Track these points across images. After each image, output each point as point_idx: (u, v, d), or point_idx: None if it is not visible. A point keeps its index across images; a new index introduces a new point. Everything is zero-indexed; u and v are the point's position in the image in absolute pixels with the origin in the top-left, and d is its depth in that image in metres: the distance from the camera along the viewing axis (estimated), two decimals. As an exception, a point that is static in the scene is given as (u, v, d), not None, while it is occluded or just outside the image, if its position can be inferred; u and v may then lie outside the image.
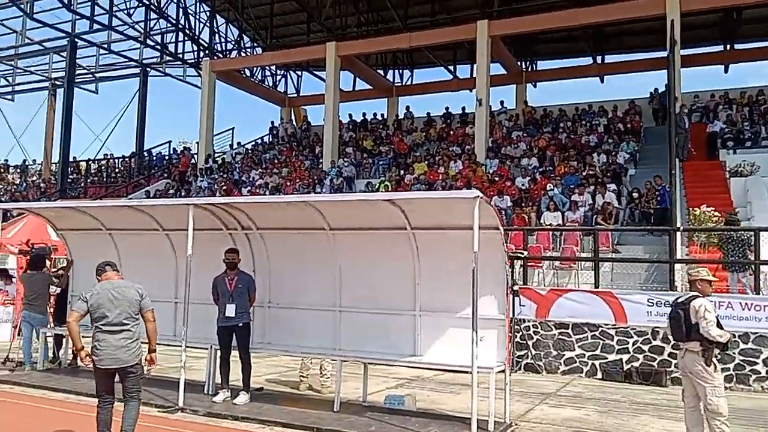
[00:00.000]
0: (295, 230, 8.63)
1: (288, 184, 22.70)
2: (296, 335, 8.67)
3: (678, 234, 13.98)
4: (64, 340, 10.54)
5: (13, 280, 16.88)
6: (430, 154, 24.00)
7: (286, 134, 30.46)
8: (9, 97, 35.15)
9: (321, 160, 25.32)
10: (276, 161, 26.58)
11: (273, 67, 31.86)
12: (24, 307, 10.13)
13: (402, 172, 22.03)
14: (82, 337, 5.88)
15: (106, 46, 28.71)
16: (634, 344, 11.46)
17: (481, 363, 7.40)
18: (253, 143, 30.85)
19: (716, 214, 11.80)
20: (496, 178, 18.93)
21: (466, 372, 7.10)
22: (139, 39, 27.71)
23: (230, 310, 8.22)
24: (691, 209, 12.05)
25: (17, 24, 30.01)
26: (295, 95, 33.67)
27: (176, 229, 9.46)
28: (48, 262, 11.66)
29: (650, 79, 28.95)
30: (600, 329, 11.67)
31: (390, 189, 20.32)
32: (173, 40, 28.92)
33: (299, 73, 33.71)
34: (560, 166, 19.01)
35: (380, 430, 6.82)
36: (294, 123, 32.32)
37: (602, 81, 28.88)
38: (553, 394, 9.84)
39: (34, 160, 35.32)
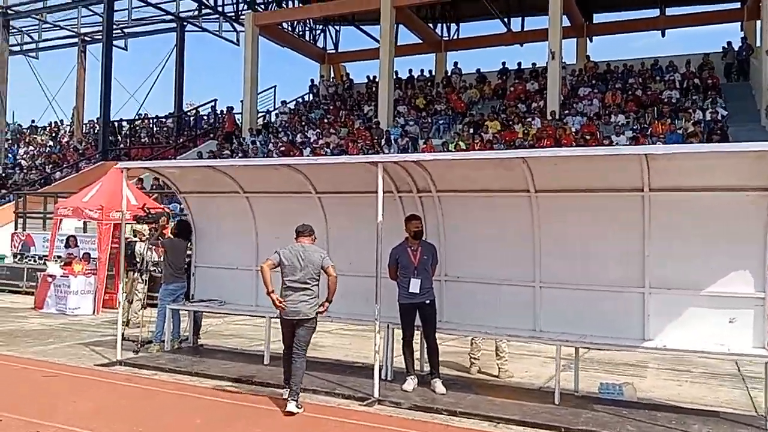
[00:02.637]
0: (485, 192, 7.42)
1: (350, 144, 21.37)
2: (482, 313, 7.52)
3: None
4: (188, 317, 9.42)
5: (79, 245, 15.73)
6: (494, 112, 22.68)
7: (327, 92, 29.01)
8: (33, 54, 33.29)
9: (375, 120, 23.93)
10: (325, 121, 25.22)
11: (311, 21, 30.20)
12: (171, 279, 8.88)
13: (471, 130, 20.74)
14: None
15: (142, -4, 27.00)
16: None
17: (737, 349, 6.34)
18: (295, 102, 29.37)
19: None
20: (587, 137, 17.64)
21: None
22: (179, -11, 26.05)
23: (414, 286, 7.09)
24: None
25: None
26: (334, 51, 32.04)
27: (329, 192, 8.27)
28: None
29: (706, 33, 27.39)
30: None
31: (465, 148, 19.08)
32: (211, -9, 27.31)
33: (337, 27, 32.02)
34: (656, 124, 17.70)
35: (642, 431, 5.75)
36: (334, 80, 30.84)
37: (663, 35, 27.47)
38: None
39: (62, 121, 33.73)
